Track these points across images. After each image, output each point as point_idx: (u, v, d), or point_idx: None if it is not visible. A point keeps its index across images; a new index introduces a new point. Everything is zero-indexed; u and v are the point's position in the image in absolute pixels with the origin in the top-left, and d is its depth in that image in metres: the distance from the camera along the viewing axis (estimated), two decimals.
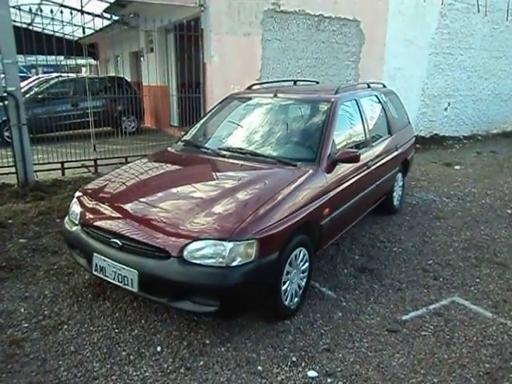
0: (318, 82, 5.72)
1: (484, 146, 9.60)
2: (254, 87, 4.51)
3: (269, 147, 3.47)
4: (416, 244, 4.27)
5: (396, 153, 4.67)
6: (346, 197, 3.50)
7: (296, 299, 2.97)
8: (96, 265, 2.75)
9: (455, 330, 2.85)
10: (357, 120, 4.00)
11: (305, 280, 3.07)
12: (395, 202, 5.05)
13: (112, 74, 14.40)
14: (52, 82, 10.01)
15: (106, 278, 2.71)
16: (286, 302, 2.86)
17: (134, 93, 10.00)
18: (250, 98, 4.14)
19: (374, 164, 4.02)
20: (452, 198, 5.80)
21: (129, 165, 3.62)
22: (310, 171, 3.13)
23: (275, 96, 3.92)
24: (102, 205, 2.93)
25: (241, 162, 3.28)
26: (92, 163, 6.69)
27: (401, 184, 5.20)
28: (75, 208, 3.07)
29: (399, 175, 5.03)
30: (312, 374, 2.41)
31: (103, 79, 10.85)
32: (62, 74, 11.18)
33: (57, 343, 2.60)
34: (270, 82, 4.91)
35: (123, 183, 3.17)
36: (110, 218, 2.79)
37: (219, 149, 3.53)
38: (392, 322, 2.93)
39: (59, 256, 3.80)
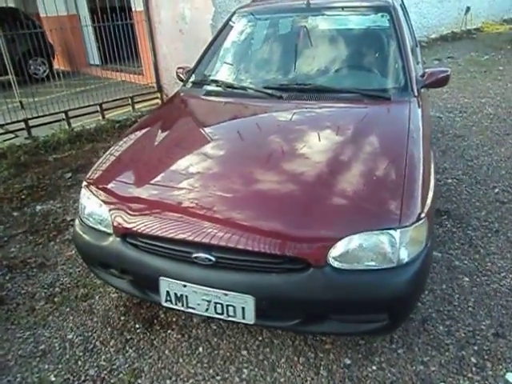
0: None
1: (435, 52, 9.31)
2: None
3: (338, 78, 2.55)
4: (465, 171, 3.77)
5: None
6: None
7: None
8: (168, 293, 1.78)
9: None
10: (407, 30, 3.16)
11: None
12: None
13: None
14: None
15: (192, 311, 1.78)
16: None
17: (38, 27, 7.88)
18: (272, 12, 3.05)
19: None
20: (454, 112, 5.39)
21: (140, 131, 2.38)
22: (412, 104, 2.31)
23: (308, 6, 2.88)
24: (152, 197, 1.86)
25: (316, 104, 2.34)
26: (21, 125, 5.05)
27: None
28: (97, 207, 1.95)
29: None
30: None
31: None
32: None
33: None
34: None
35: (162, 158, 2.08)
36: (178, 219, 1.75)
37: (266, 88, 2.50)
38: None
39: (52, 269, 2.68)
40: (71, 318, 2.26)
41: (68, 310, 2.32)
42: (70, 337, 2.13)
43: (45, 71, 8.17)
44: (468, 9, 11.50)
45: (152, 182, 1.92)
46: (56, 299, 2.40)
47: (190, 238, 1.68)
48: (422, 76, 2.56)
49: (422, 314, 2.18)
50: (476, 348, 1.97)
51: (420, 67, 2.84)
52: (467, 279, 2.43)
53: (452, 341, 2.02)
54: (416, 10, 10.28)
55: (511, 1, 12.95)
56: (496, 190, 3.42)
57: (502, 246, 2.73)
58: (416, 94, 2.41)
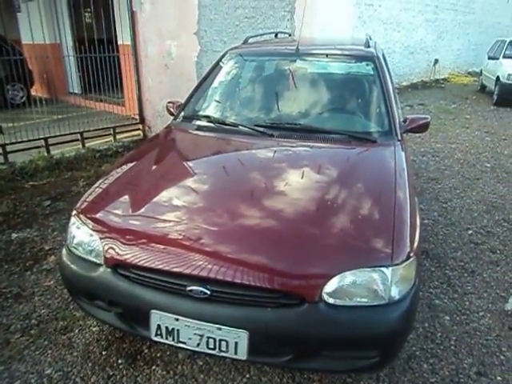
0: (290, 34, 4.89)
1: (406, 98, 9.83)
2: (250, 40, 3.51)
3: (327, 120, 2.67)
4: (440, 212, 3.94)
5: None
6: None
7: None
8: (159, 327, 1.74)
9: None
10: (389, 79, 3.36)
11: None
12: None
13: None
14: None
15: (182, 346, 1.74)
16: None
17: (19, 54, 7.86)
18: (263, 55, 3.19)
19: None
20: (427, 155, 5.67)
21: (132, 162, 2.39)
22: (396, 148, 2.43)
23: (297, 52, 3.03)
24: (147, 229, 1.86)
25: (305, 143, 2.42)
26: None
27: None
28: (87, 237, 1.92)
29: None
30: None
31: None
32: None
33: None
34: (261, 35, 3.96)
35: (159, 189, 2.07)
36: (174, 251, 1.74)
37: (257, 125, 2.59)
38: (505, 317, 2.52)
39: (28, 300, 2.57)
40: (49, 351, 2.16)
41: (46, 343, 2.22)
42: (47, 372, 2.03)
43: (22, 97, 8.09)
44: (436, 61, 12.32)
45: (147, 213, 1.93)
46: (33, 332, 2.30)
47: (186, 271, 1.68)
48: (404, 121, 2.71)
49: (407, 351, 2.22)
50: None
51: (400, 113, 3.01)
52: (448, 318, 2.50)
53: (437, 379, 2.05)
54: (389, 59, 10.85)
55: (475, 56, 13.98)
56: (470, 232, 3.58)
57: (479, 286, 2.83)
58: (400, 138, 2.54)
